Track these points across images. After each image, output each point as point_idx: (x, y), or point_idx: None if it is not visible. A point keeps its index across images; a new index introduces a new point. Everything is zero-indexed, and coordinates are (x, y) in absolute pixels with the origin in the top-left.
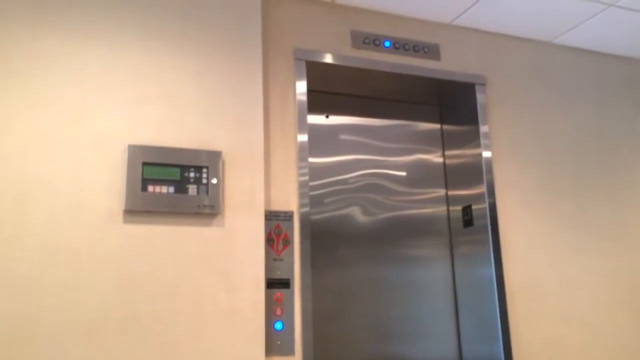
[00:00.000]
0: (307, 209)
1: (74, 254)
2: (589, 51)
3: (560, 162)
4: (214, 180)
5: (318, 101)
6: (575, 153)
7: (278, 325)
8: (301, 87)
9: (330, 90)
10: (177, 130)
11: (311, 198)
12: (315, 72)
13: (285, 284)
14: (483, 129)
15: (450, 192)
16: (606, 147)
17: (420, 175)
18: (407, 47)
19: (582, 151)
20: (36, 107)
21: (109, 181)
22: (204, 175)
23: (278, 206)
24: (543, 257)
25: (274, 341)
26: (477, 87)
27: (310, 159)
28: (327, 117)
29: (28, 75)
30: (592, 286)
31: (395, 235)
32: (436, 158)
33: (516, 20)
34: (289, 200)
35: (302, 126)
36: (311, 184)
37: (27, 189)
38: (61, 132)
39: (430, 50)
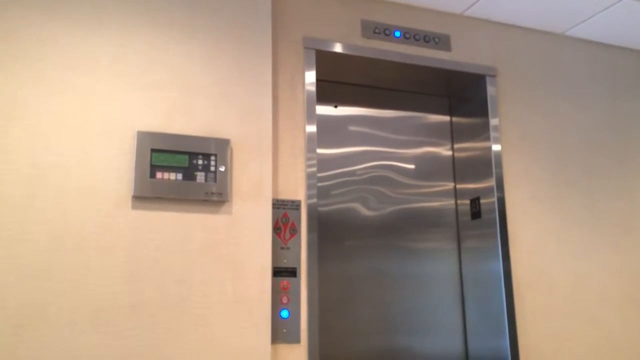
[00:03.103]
0: (314, 200)
1: (82, 239)
2: (601, 44)
3: (571, 156)
4: (222, 168)
5: (327, 91)
6: (586, 146)
7: (284, 314)
8: (310, 76)
9: (340, 80)
10: (185, 117)
11: (319, 189)
12: (325, 62)
13: (292, 272)
14: (493, 121)
15: (458, 185)
16: (618, 140)
17: (428, 168)
18: (417, 37)
19: (593, 145)
20: (46, 92)
21: (118, 167)
22: (212, 163)
23: (285, 195)
24: (552, 251)
25: (280, 329)
26: (487, 79)
27: (318, 150)
28: (335, 107)
29: (38, 61)
30: (601, 281)
31: (402, 228)
32: (445, 151)
33: (528, 11)
34: (296, 190)
35: (311, 116)
36: (319, 175)
37: (36, 173)
38: (71, 117)
39: (441, 41)
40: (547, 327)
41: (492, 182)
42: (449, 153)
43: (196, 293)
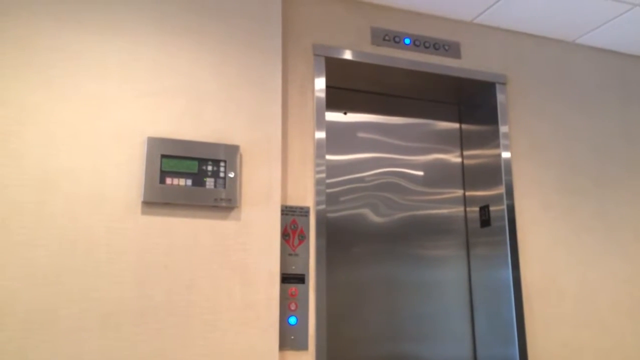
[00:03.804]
0: (323, 206)
1: (92, 245)
2: (612, 52)
3: (581, 164)
4: (231, 174)
5: (336, 98)
6: (597, 154)
7: (292, 320)
8: (320, 83)
9: (349, 87)
10: (195, 123)
11: (327, 195)
12: (334, 69)
13: (300, 279)
14: (503, 129)
15: (468, 193)
16: (628, 148)
17: (437, 175)
18: (427, 44)
19: (604, 152)
20: (57, 98)
21: (128, 173)
22: (222, 169)
23: (294, 202)
24: (562, 259)
25: (288, 336)
26: (497, 87)
27: (328, 156)
28: (345, 114)
29: (49, 67)
30: (612, 290)
31: (411, 235)
32: (454, 158)
33: (539, 19)
34: (305, 196)
35: (320, 123)
36: (328, 181)
37: (47, 179)
38: (82, 123)
39: (451, 48)
40: (557, 336)
41: (501, 190)
42: (459, 160)
43: (204, 298)
